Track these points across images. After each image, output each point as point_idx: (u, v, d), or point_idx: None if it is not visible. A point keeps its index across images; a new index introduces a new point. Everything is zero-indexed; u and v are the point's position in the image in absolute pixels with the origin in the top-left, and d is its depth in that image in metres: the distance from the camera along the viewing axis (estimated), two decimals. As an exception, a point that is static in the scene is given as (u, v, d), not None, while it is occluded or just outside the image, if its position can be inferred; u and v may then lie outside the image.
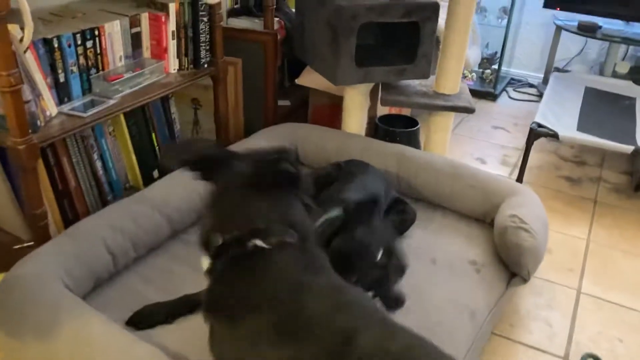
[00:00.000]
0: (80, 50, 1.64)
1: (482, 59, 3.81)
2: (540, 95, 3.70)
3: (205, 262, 1.10)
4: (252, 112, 2.41)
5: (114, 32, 1.75)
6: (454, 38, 2.15)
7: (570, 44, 3.78)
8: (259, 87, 2.36)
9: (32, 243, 1.57)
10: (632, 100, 3.01)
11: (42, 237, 1.52)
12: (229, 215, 1.09)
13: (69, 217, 1.74)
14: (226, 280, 1.05)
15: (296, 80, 2.58)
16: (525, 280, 1.66)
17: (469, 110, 2.19)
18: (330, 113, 2.56)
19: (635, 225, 2.33)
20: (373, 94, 2.40)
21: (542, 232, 1.71)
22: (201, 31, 1.97)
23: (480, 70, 3.85)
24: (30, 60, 1.45)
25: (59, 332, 1.20)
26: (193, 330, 1.35)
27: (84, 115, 1.59)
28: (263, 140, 2.10)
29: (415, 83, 2.36)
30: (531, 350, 1.66)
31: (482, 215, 1.88)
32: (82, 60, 1.66)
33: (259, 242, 1.04)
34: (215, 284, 1.08)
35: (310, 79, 2.54)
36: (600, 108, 2.89)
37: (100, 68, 1.74)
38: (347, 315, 0.96)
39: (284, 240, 1.05)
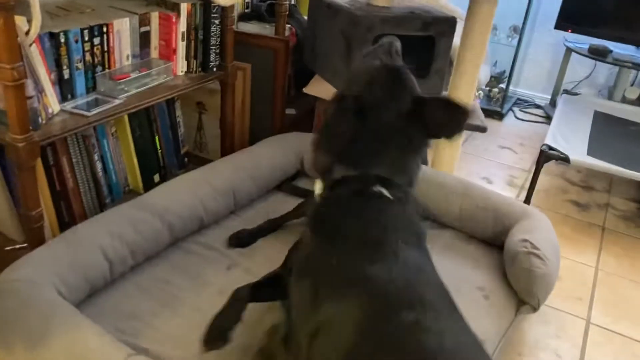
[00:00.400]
0: (87, 46, 1.58)
1: (490, 77, 3.77)
2: (547, 117, 3.67)
3: (319, 187, 1.15)
4: (258, 119, 2.35)
5: (123, 30, 1.70)
6: (469, 55, 2.10)
7: (579, 66, 3.75)
8: (267, 94, 2.30)
9: (25, 245, 1.50)
10: (641, 126, 2.97)
11: (36, 239, 1.45)
12: (357, 149, 1.11)
13: (65, 219, 1.67)
14: (338, 211, 1.09)
15: (304, 89, 2.52)
16: (534, 309, 1.61)
17: (482, 129, 2.14)
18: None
19: (645, 256, 2.28)
20: (382, 107, 2.35)
21: (554, 259, 1.65)
22: (212, 34, 1.92)
23: (488, 88, 3.81)
24: (35, 54, 1.39)
25: (51, 343, 1.13)
26: (194, 346, 1.28)
27: (88, 114, 1.53)
28: (268, 148, 2.04)
29: (426, 98, 2.30)
30: (540, 382, 1.60)
31: (491, 238, 1.83)
32: (88, 57, 1.60)
33: (384, 191, 1.08)
34: (326, 208, 1.12)
35: (318, 88, 2.49)
36: (609, 133, 2.85)
37: (107, 66, 1.68)
38: (421, 294, 0.95)
39: (401, 197, 1.09)
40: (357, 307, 0.91)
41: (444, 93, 2.23)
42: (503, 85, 3.74)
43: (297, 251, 1.19)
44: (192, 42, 1.89)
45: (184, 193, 1.69)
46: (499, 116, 3.63)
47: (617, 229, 2.47)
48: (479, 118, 2.19)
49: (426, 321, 0.89)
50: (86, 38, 1.57)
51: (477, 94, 3.75)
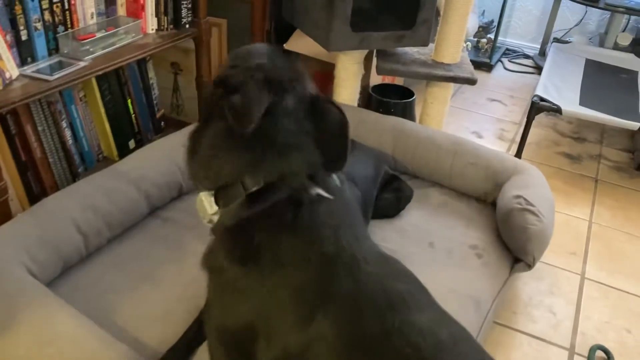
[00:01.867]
0: (45, 4, 1.46)
1: (478, 27, 3.65)
2: (536, 67, 3.58)
3: (211, 208, 0.91)
4: (237, 78, 2.24)
5: (84, -14, 1.57)
6: (456, 3, 1.99)
7: (569, 13, 3.65)
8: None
9: (-10, 221, 1.42)
10: (633, 74, 2.89)
11: (1, 215, 1.36)
12: (264, 155, 0.87)
13: (34, 192, 1.58)
14: (279, 230, 0.86)
15: (284, 45, 2.41)
16: (529, 267, 1.56)
17: (471, 82, 2.05)
18: (321, 81, 2.40)
19: (639, 207, 2.23)
20: (367, 62, 2.25)
21: (549, 215, 1.59)
22: (182, -13, 1.79)
23: (476, 39, 3.69)
24: (-14, 14, 1.28)
25: (19, 327, 1.06)
26: (176, 324, 1.22)
27: (50, 78, 1.42)
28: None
29: (412, 51, 2.20)
30: (535, 341, 1.56)
31: (483, 195, 1.76)
32: (47, 16, 1.48)
33: (322, 192, 0.88)
34: (256, 230, 0.87)
35: (299, 44, 2.37)
36: (602, 82, 2.76)
37: (69, 26, 1.56)
38: (396, 289, 0.84)
39: (337, 189, 0.91)
40: (331, 328, 0.80)
41: (431, 45, 2.13)
42: (491, 36, 3.62)
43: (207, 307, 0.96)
44: (162, -3, 1.77)
45: (160, 159, 1.60)
46: (488, 68, 3.53)
47: (610, 180, 2.42)
48: (469, 70, 2.09)
49: (411, 317, 0.82)
50: (43, -5, 1.45)
51: (465, 45, 3.64)
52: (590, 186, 2.35)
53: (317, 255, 0.85)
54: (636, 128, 2.26)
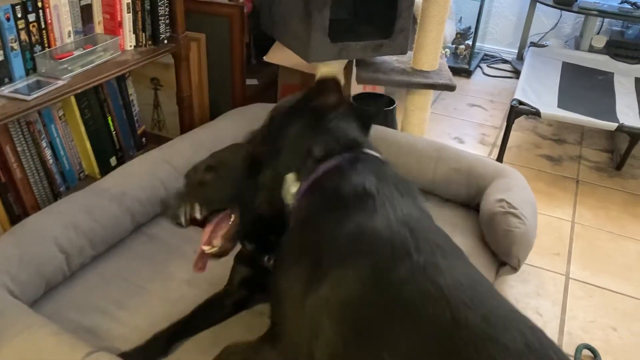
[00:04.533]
0: (21, 24, 1.45)
1: (456, 34, 3.69)
2: (515, 72, 3.62)
3: (294, 186, 1.10)
4: (218, 92, 2.24)
5: (61, 5, 1.57)
6: (433, 11, 2.01)
7: (545, 17, 3.70)
8: (225, 65, 2.18)
9: (-29, 244, 1.39)
10: (609, 75, 2.94)
11: (-18, 237, 1.34)
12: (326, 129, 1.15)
13: (16, 213, 1.56)
14: (343, 179, 1.05)
15: (264, 57, 2.42)
16: (515, 270, 1.56)
17: (450, 88, 2.07)
18: (302, 92, 2.40)
19: (619, 206, 2.26)
20: (347, 72, 2.26)
21: (531, 217, 1.60)
22: (160, 3, 1.79)
23: (454, 46, 3.73)
24: (-40, 36, 1.27)
25: (1, 349, 1.04)
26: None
27: (28, 98, 1.41)
28: (230, 122, 1.94)
29: (391, 59, 2.22)
30: (523, 343, 1.57)
31: (466, 200, 1.77)
32: (23, 35, 1.47)
33: (376, 154, 1.13)
34: (327, 179, 1.07)
35: (279, 55, 2.38)
36: (579, 84, 2.81)
37: (46, 45, 1.55)
38: (426, 237, 0.93)
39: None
40: (363, 264, 0.88)
41: (410, 53, 2.15)
42: (469, 42, 3.67)
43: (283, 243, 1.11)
44: (139, 13, 1.77)
45: (141, 175, 1.60)
46: (467, 73, 3.56)
47: (590, 180, 2.45)
48: (447, 77, 2.11)
49: (437, 261, 0.86)
50: (19, 15, 1.44)
51: (443, 51, 3.68)
52: (571, 187, 2.38)
53: (360, 197, 1.00)
54: (614, 128, 2.29)
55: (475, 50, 3.65)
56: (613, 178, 2.48)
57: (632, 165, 2.57)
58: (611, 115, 2.42)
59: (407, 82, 2.07)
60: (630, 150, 2.49)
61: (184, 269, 1.44)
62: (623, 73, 2.96)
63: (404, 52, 2.05)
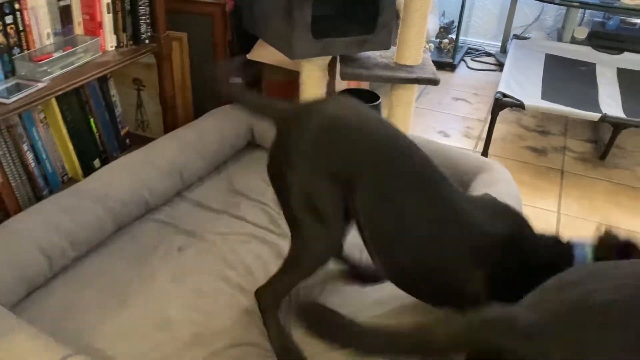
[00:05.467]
0: (-2, 26, 1.43)
1: (439, 28, 3.69)
2: (499, 64, 3.64)
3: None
4: (201, 91, 2.22)
5: (39, 6, 1.54)
6: (415, 5, 2.01)
7: (527, 9, 3.72)
8: (208, 63, 2.17)
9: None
10: (591, 66, 2.96)
11: (-36, 243, 1.32)
12: None
13: (-2, 218, 1.54)
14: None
15: (247, 56, 2.40)
16: (501, 262, 1.57)
17: (434, 82, 2.07)
18: (286, 90, 2.40)
19: (604, 195, 2.27)
20: (331, 68, 2.25)
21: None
22: (140, 3, 1.77)
23: (438, 40, 3.74)
24: (-64, 40, 1.25)
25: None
26: (143, 339, 1.21)
27: (7, 101, 1.39)
28: (214, 121, 1.94)
29: (375, 55, 2.22)
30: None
31: (452, 194, 1.78)
32: (1, 38, 1.45)
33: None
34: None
35: (262, 53, 2.37)
36: (562, 75, 2.82)
37: (25, 47, 1.53)
38: None
39: None
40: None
41: (392, 48, 2.14)
42: (453, 36, 3.67)
43: None
44: (119, 13, 1.75)
45: (124, 176, 1.59)
46: (451, 67, 3.57)
47: (575, 171, 2.46)
48: (431, 71, 2.11)
49: None
50: (-4, 17, 1.42)
51: (427, 46, 3.68)
52: (556, 178, 2.40)
53: None
54: (597, 119, 2.31)
55: (459, 44, 3.66)
56: (597, 168, 2.49)
57: (615, 155, 2.60)
58: (594, 105, 2.44)
59: (391, 77, 2.06)
60: (614, 140, 2.51)
61: (165, 269, 1.44)
62: (605, 64, 2.98)
63: (387, 47, 2.04)
